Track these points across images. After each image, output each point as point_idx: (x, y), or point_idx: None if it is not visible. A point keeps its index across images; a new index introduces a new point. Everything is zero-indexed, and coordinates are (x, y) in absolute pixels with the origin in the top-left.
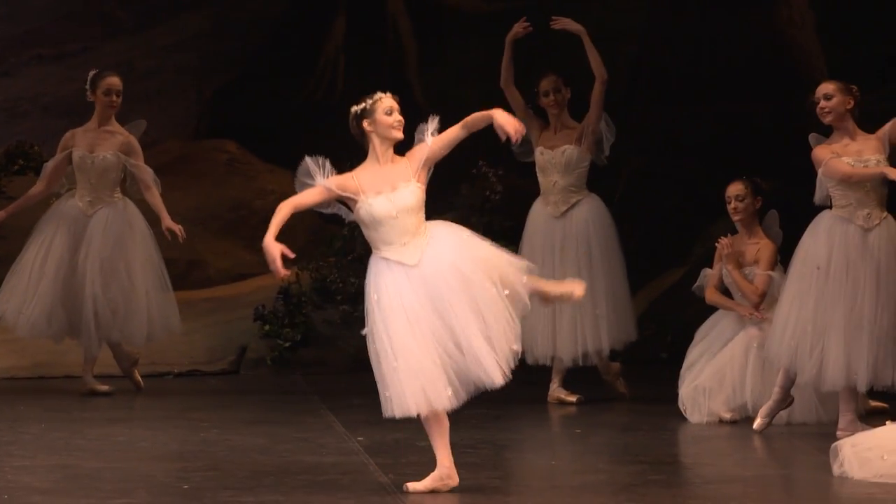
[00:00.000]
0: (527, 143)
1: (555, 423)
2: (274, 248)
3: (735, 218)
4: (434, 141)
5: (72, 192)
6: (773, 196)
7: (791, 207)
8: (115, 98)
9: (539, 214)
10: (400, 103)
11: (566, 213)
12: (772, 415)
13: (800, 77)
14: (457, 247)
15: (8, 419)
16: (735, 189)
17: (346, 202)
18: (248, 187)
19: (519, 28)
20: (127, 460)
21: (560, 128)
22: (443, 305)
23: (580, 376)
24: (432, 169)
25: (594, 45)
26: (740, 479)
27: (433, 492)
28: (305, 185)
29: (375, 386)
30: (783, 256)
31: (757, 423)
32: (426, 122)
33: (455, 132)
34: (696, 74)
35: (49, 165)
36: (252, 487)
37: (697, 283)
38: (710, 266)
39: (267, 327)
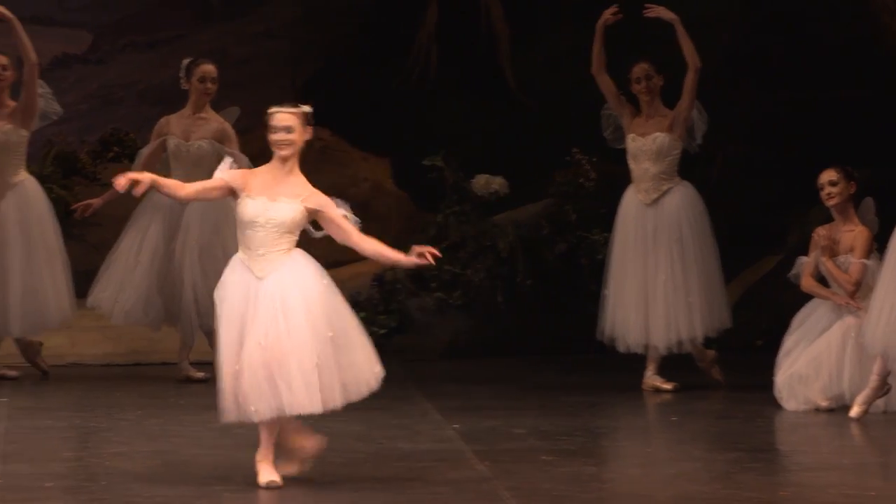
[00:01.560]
0: (619, 130)
1: (650, 410)
2: (138, 175)
3: (829, 203)
4: (341, 221)
5: None
6: (869, 184)
7: (887, 195)
8: (209, 85)
9: (631, 202)
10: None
11: (658, 200)
12: (869, 402)
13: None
14: (310, 283)
15: (105, 406)
16: (828, 175)
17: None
18: (341, 174)
19: (609, 15)
20: (223, 447)
21: (652, 115)
22: (269, 323)
23: (675, 364)
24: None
25: (687, 32)
26: (838, 466)
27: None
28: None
29: (471, 373)
30: (880, 245)
31: (854, 411)
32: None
33: (352, 238)
34: (789, 62)
35: (144, 153)
36: (349, 474)
37: (793, 271)
38: (806, 254)
39: (362, 314)
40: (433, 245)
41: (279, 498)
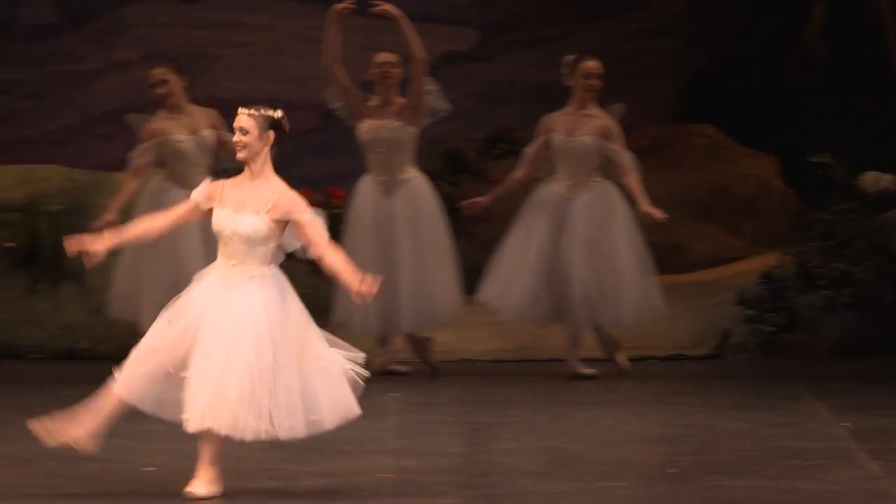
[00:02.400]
0: None
1: None
2: (88, 246)
3: None
4: (305, 228)
5: (552, 177)
6: None
7: None
8: (594, 82)
9: None
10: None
11: None
12: None
13: None
14: (278, 305)
15: (494, 402)
16: None
17: None
18: (727, 172)
19: None
20: (612, 444)
21: None
22: (219, 337)
23: None
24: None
25: None
26: None
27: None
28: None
29: (860, 372)
30: None
31: None
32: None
33: (317, 247)
34: None
35: (528, 150)
36: (738, 472)
37: None
38: None
39: (750, 311)
40: (820, 241)
41: (665, 493)
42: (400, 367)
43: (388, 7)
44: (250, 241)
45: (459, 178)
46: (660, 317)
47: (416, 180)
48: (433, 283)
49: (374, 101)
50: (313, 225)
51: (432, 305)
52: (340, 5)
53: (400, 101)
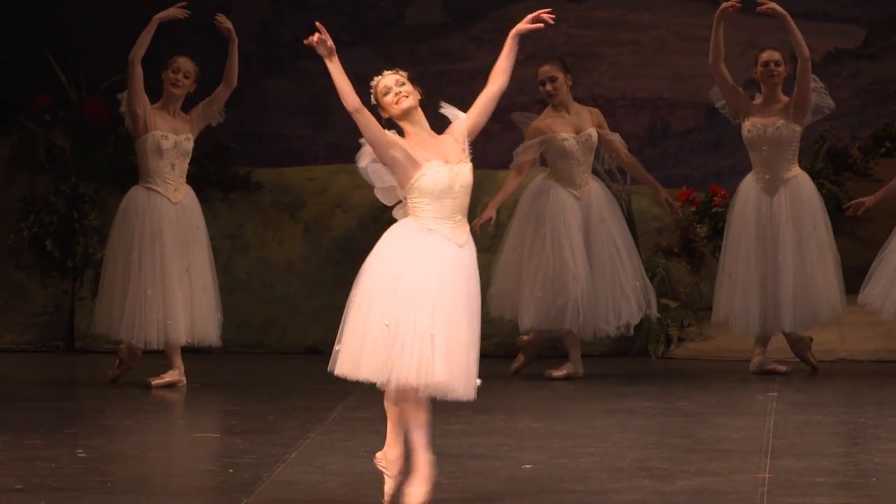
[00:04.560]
0: None
1: None
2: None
3: None
4: (469, 114)
5: None
6: None
7: None
8: None
9: None
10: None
11: None
12: None
13: None
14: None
15: (874, 403)
16: None
17: (393, 164)
18: None
19: None
20: None
21: None
22: (463, 295)
23: None
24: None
25: None
26: None
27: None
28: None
29: None
30: None
31: None
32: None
33: (485, 93)
34: None
35: None
36: None
37: None
38: None
39: None
40: None
41: None
42: (779, 366)
43: (774, 5)
44: (469, 190)
45: (842, 177)
46: None
47: (799, 178)
48: (815, 282)
49: (758, 100)
50: (467, 114)
51: (814, 305)
52: (727, 4)
53: (784, 99)
